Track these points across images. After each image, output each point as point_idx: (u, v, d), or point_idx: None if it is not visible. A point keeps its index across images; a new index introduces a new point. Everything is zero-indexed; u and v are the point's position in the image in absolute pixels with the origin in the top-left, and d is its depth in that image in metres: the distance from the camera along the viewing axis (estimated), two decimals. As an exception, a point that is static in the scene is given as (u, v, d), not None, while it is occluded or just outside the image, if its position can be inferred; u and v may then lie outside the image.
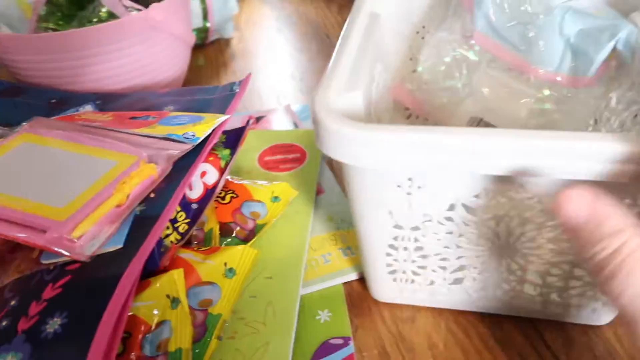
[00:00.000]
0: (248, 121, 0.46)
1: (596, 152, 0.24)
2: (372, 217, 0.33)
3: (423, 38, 0.48)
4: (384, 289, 0.39)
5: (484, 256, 0.34)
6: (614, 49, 0.37)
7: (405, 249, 0.35)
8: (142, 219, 0.34)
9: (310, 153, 0.54)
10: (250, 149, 0.56)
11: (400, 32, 0.49)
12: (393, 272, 0.37)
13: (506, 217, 0.30)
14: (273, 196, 0.45)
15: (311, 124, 0.63)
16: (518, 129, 0.25)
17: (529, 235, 0.31)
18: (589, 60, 0.38)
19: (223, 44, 0.89)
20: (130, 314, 0.31)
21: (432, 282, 0.37)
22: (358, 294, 0.41)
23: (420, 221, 0.32)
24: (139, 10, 0.56)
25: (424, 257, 0.35)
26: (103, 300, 0.28)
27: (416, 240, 0.34)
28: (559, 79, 0.39)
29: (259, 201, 0.44)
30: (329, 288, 0.41)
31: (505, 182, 0.28)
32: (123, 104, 0.52)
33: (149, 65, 0.59)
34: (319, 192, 0.51)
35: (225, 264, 0.37)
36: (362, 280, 0.42)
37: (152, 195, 0.36)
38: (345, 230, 0.46)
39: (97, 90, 0.57)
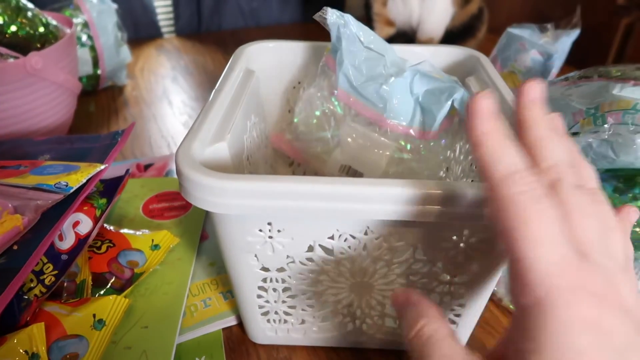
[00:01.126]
0: (127, 171, 0.46)
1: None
2: (240, 261, 0.35)
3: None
4: (260, 331, 0.40)
5: (346, 293, 0.37)
6: (453, 107, 0.43)
7: (275, 290, 0.37)
8: (0, 272, 0.33)
9: (196, 200, 0.55)
10: (134, 197, 0.55)
11: (277, 87, 0.53)
12: (266, 313, 0.39)
13: (359, 256, 0.33)
14: (153, 244, 0.45)
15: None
16: (378, 176, 0.29)
17: (380, 272, 0.34)
18: (433, 116, 0.43)
19: (116, 91, 0.88)
20: (-20, 374, 0.29)
21: (303, 321, 0.39)
22: (237, 337, 0.42)
23: (285, 262, 0.34)
24: (16, 57, 0.55)
25: (292, 297, 0.37)
26: (-54, 361, 0.27)
27: (283, 281, 0.36)
28: (411, 131, 0.45)
29: (138, 250, 0.44)
30: (207, 334, 0.42)
31: (352, 223, 0.31)
32: (-6, 153, 0.50)
33: (27, 113, 0.58)
34: (203, 237, 0.51)
35: (94, 315, 0.36)
36: (241, 324, 0.43)
37: (15, 247, 0.35)
38: (226, 274, 0.47)
39: (-34, 138, 0.54)
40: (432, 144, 0.45)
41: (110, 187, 0.45)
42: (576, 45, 0.69)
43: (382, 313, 0.38)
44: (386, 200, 0.29)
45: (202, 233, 0.51)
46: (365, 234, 0.32)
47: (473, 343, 0.42)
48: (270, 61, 0.51)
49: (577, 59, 0.76)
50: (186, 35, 1.18)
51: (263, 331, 0.40)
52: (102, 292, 0.41)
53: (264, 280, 0.36)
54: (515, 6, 1.13)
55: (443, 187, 0.28)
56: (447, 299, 0.37)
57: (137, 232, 0.46)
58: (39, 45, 0.58)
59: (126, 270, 0.43)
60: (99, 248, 0.43)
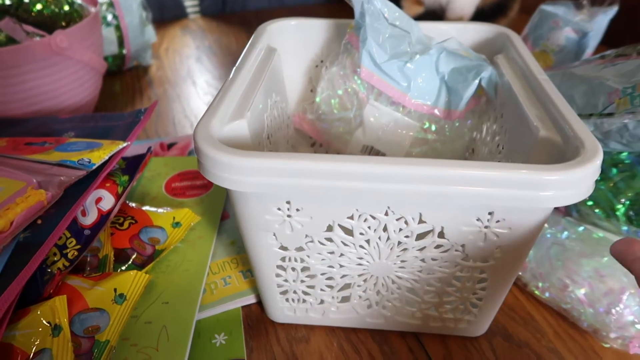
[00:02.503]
0: (149, 148, 0.46)
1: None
2: (259, 240, 0.34)
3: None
4: (279, 310, 0.40)
5: (365, 274, 0.36)
6: (480, 86, 0.42)
7: (293, 269, 0.36)
8: (24, 246, 0.33)
9: (217, 179, 0.55)
10: (157, 175, 0.56)
11: (299, 66, 0.52)
12: (285, 292, 0.39)
13: (378, 237, 0.33)
14: (174, 222, 0.46)
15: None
16: (401, 156, 0.28)
17: (399, 254, 0.34)
18: (459, 96, 0.42)
19: (141, 71, 0.89)
20: (6, 342, 0.30)
21: (322, 301, 0.39)
22: (256, 316, 0.42)
23: (303, 242, 0.34)
24: (42, 35, 0.56)
25: (311, 277, 0.37)
26: (-29, 329, 0.27)
27: (302, 260, 0.35)
28: (436, 111, 0.44)
29: (159, 227, 0.45)
30: (227, 312, 0.42)
31: (373, 203, 0.31)
32: (21, 130, 0.51)
33: (53, 91, 0.59)
34: (224, 217, 0.52)
35: (115, 289, 0.36)
36: (260, 302, 0.43)
37: (39, 221, 0.36)
38: (246, 253, 0.47)
39: (-6, 115, 0.55)
40: (457, 124, 0.44)
41: (132, 165, 0.45)
42: (611, 25, 0.66)
43: (401, 295, 0.37)
44: (407, 180, 0.28)
45: (223, 212, 0.51)
46: (386, 214, 0.31)
47: (496, 329, 0.41)
48: (292, 39, 0.50)
49: (612, 39, 0.72)
50: (210, 15, 1.18)
51: (282, 310, 0.40)
52: (123, 268, 0.41)
53: (283, 259, 0.36)
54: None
55: (467, 166, 0.27)
56: (469, 283, 0.36)
57: (159, 210, 0.46)
58: (64, 24, 0.59)
59: (147, 247, 0.43)
60: (121, 224, 0.43)
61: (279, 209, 0.32)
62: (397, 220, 0.31)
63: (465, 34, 0.48)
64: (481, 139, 0.45)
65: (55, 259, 0.36)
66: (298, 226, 0.33)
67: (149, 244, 0.43)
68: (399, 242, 0.33)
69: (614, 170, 0.43)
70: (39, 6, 0.55)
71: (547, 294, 0.42)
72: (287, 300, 0.39)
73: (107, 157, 0.42)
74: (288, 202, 0.31)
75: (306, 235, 0.33)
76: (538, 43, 0.63)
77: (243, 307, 0.43)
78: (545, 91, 0.35)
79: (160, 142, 0.65)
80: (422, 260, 0.34)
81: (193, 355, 0.38)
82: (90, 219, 0.40)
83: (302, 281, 0.37)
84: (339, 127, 0.48)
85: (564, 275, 0.41)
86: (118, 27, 0.80)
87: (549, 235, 0.43)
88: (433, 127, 0.44)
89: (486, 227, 0.31)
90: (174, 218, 0.46)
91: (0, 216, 0.34)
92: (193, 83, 0.84)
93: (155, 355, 0.36)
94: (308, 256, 0.35)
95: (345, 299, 0.39)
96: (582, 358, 0.39)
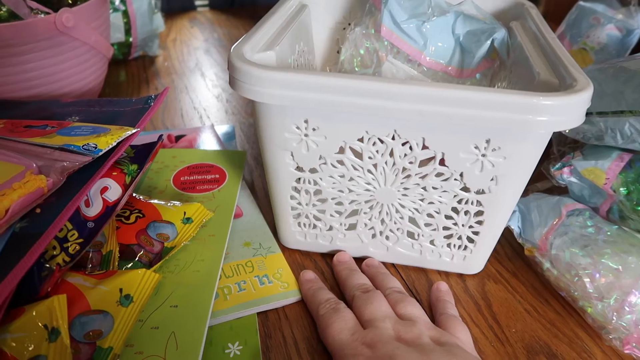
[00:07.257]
0: (160, 136, 0.42)
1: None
2: (277, 159, 0.37)
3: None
4: (290, 235, 0.43)
5: (372, 201, 0.39)
6: (494, 48, 0.44)
7: (307, 192, 0.39)
8: (21, 237, 0.29)
9: (230, 174, 0.51)
10: (165, 168, 0.52)
11: (328, 25, 0.55)
12: (298, 215, 0.42)
13: (384, 162, 0.35)
14: (185, 217, 0.42)
15: (235, 145, 0.61)
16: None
17: (402, 181, 0.36)
18: (472, 56, 0.44)
19: (147, 61, 0.85)
20: (-6, 348, 0.26)
21: (331, 228, 0.42)
22: (273, 324, 0.38)
23: (317, 163, 0.37)
24: (47, 13, 0.52)
25: (322, 201, 0.39)
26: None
27: (315, 183, 0.38)
28: (449, 70, 0.45)
29: (169, 222, 0.41)
30: (241, 318, 0.38)
31: (381, 126, 0.33)
32: (20, 112, 0.47)
33: (56, 74, 0.55)
34: (237, 215, 0.48)
35: (120, 290, 0.32)
36: (276, 310, 0.39)
37: (37, 210, 0.32)
38: (263, 256, 0.43)
39: (-9, 97, 0.51)
40: (468, 83, 0.45)
41: (142, 153, 0.41)
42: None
43: (403, 225, 0.40)
44: (412, 99, 0.30)
45: (236, 209, 0.47)
46: (393, 138, 0.33)
47: (538, 346, 0.37)
48: (324, 1, 0.53)
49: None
50: (220, 9, 1.14)
51: (293, 235, 0.43)
52: (129, 266, 0.37)
53: (298, 180, 0.39)
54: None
55: (467, 89, 0.29)
56: (467, 215, 0.38)
57: (169, 204, 0.42)
58: (70, 2, 0.55)
59: (156, 244, 0.39)
60: (128, 218, 0.39)
61: (297, 127, 0.35)
62: (402, 145, 0.34)
63: (485, 3, 0.50)
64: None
65: (55, 253, 0.32)
66: (313, 146, 0.35)
67: (158, 241, 0.39)
68: (404, 168, 0.35)
69: (667, 177, 0.40)
70: (44, -19, 0.51)
71: (555, 272, 0.40)
72: (299, 224, 0.42)
73: (115, 143, 0.38)
74: (306, 121, 0.34)
75: (320, 157, 0.36)
76: (576, 40, 0.59)
77: (259, 313, 0.39)
78: (552, 47, 0.37)
79: (167, 133, 0.61)
80: (424, 188, 0.36)
81: (204, 366, 0.34)
82: (94, 210, 0.36)
83: (314, 205, 0.40)
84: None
85: (582, 261, 0.38)
86: (126, 13, 0.76)
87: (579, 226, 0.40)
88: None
89: (483, 155, 0.33)
90: (184, 213, 0.42)
91: (-6, 202, 0.30)
92: (202, 75, 0.81)
93: (163, 365, 0.32)
94: (321, 178, 0.38)
95: (352, 227, 0.41)
96: (635, 382, 0.35)
